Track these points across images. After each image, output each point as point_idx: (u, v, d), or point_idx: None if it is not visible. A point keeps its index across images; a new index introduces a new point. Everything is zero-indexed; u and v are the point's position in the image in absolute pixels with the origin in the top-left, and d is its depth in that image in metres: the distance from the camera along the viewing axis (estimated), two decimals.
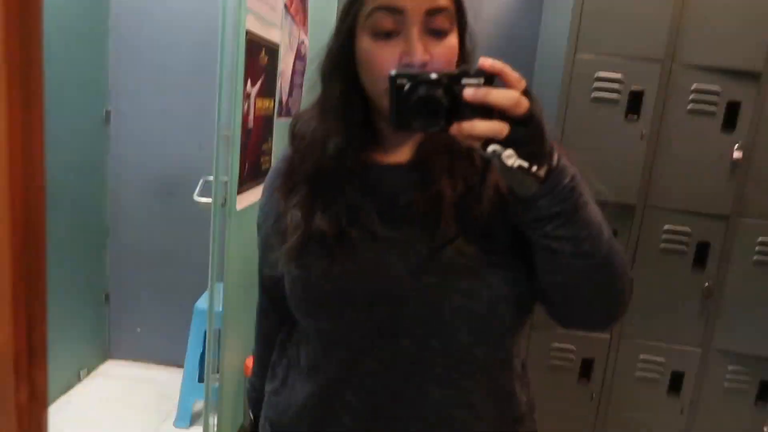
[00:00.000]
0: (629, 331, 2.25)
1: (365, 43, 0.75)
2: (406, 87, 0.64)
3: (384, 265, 0.78)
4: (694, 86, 2.08)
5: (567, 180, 0.67)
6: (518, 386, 0.88)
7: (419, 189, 0.79)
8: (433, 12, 0.73)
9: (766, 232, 2.15)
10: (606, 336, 2.26)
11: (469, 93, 0.62)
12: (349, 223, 0.79)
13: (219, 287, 1.67)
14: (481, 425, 0.82)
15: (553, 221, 0.68)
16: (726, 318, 2.21)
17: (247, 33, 1.41)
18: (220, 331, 1.64)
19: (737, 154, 2.10)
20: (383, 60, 0.73)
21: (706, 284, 2.19)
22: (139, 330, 3.03)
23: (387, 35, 0.73)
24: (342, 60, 0.79)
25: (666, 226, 2.17)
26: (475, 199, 0.77)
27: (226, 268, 1.62)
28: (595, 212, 0.71)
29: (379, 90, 0.74)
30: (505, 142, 0.63)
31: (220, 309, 1.64)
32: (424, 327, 0.77)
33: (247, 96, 1.47)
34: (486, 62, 0.63)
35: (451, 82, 0.64)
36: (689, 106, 2.09)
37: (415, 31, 0.72)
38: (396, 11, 0.72)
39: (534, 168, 0.64)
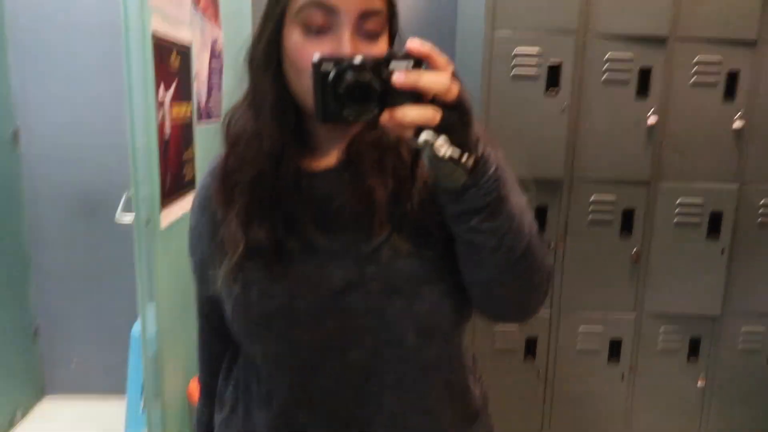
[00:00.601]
0: (567, 306, 2.31)
1: (295, 37, 0.71)
2: (332, 74, 0.60)
3: (325, 278, 0.76)
4: (607, 55, 2.14)
5: (492, 170, 0.65)
6: (471, 381, 0.88)
7: (350, 190, 0.76)
8: (366, 14, 0.70)
9: (685, 194, 2.25)
10: (547, 313, 2.32)
11: (399, 77, 0.59)
12: (286, 234, 0.76)
13: (152, 310, 1.59)
14: (439, 425, 0.81)
15: (479, 214, 0.66)
16: (654, 281, 2.31)
17: (154, 34, 1.33)
18: (156, 355, 1.56)
19: (652, 120, 2.18)
20: (311, 56, 0.69)
21: (634, 250, 2.27)
22: (74, 363, 2.86)
23: (318, 31, 0.70)
24: (272, 53, 0.75)
25: (593, 197, 2.23)
26: (407, 194, 0.75)
27: (157, 288, 1.54)
28: (516, 203, 0.70)
29: (305, 87, 0.71)
30: (437, 130, 0.60)
31: (155, 333, 1.56)
32: (372, 336, 0.75)
33: (160, 103, 1.40)
34: (414, 44, 0.60)
35: (379, 67, 0.60)
36: (605, 76, 2.15)
37: (347, 31, 0.69)
38: (330, 9, 0.69)
39: (464, 157, 0.62)
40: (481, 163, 0.64)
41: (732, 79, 2.18)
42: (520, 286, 0.72)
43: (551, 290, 2.20)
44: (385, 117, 0.59)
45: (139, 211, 1.45)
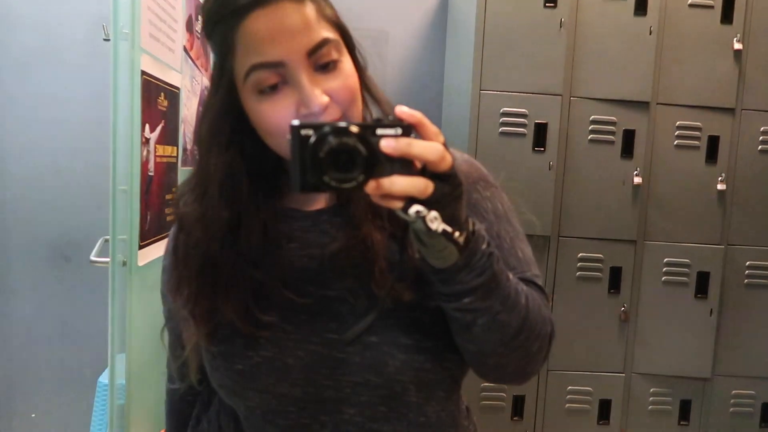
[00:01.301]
0: (555, 364, 2.25)
1: (253, 104, 0.66)
2: (313, 138, 0.54)
3: (317, 328, 0.70)
4: (592, 117, 2.18)
5: (484, 246, 0.60)
6: None
7: (345, 235, 0.71)
8: (315, 50, 0.64)
9: (671, 254, 2.24)
10: None
11: (389, 144, 0.53)
12: (260, 308, 0.70)
13: (121, 357, 1.50)
14: None
15: (471, 295, 0.61)
16: (643, 340, 2.27)
17: (143, 74, 1.32)
18: (124, 407, 1.47)
19: (637, 180, 2.20)
20: (278, 116, 0.65)
21: (622, 308, 2.24)
22: (34, 415, 2.70)
23: (273, 88, 0.65)
24: (223, 123, 0.69)
25: (580, 254, 2.22)
26: (407, 238, 0.69)
27: (129, 334, 1.47)
28: (510, 277, 0.65)
29: (281, 147, 0.66)
30: (427, 203, 0.55)
31: (123, 381, 1.47)
32: (370, 392, 0.69)
33: (145, 141, 1.37)
34: (403, 111, 0.55)
35: (364, 133, 0.55)
36: (590, 136, 2.18)
37: (304, 78, 0.64)
38: (275, 65, 0.64)
39: (456, 234, 0.57)
40: (472, 240, 0.59)
41: (713, 142, 2.22)
42: (516, 356, 0.67)
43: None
44: (371, 186, 0.54)
45: (116, 252, 1.39)
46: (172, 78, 1.57)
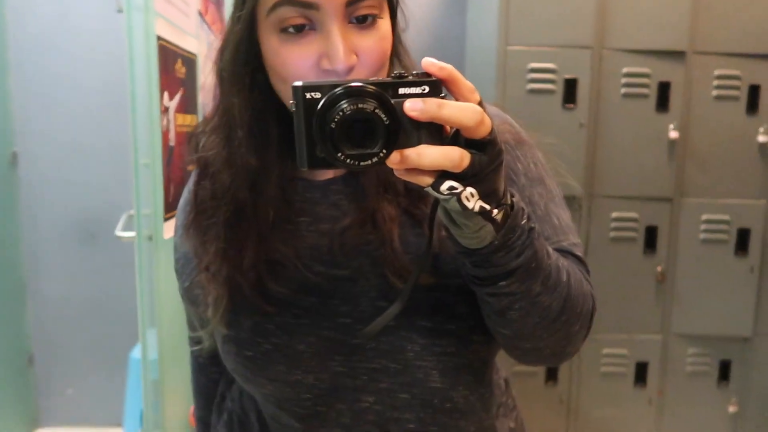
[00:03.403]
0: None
1: (271, 43, 0.59)
2: (321, 103, 0.45)
3: (328, 312, 0.64)
4: (624, 70, 2.08)
5: (524, 221, 0.52)
6: (506, 417, 0.77)
7: (355, 210, 0.64)
8: (355, 0, 0.57)
9: (710, 210, 2.16)
10: None
11: (414, 106, 0.45)
12: (271, 276, 0.64)
13: (152, 332, 1.49)
14: None
15: (508, 278, 0.53)
16: (681, 301, 2.20)
17: (159, 39, 1.27)
18: (157, 381, 1.46)
19: (674, 134, 2.10)
20: (297, 63, 0.57)
21: (659, 269, 2.18)
22: (70, 391, 2.75)
23: (298, 29, 0.57)
24: (244, 61, 0.63)
25: (614, 214, 2.15)
26: (424, 213, 0.61)
27: (158, 308, 1.45)
28: (550, 252, 0.57)
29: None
30: (464, 177, 0.46)
31: (155, 356, 1.46)
32: (389, 379, 0.64)
33: (165, 110, 1.32)
34: (431, 64, 0.46)
35: (385, 93, 0.45)
36: (623, 90, 2.09)
37: (336, 29, 0.56)
38: (306, 5, 0.56)
39: (495, 211, 0.49)
40: (511, 215, 0.50)
41: (754, 92, 2.11)
42: (556, 339, 0.61)
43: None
44: (395, 159, 0.45)
45: (141, 226, 1.37)
46: (189, 44, 1.52)
